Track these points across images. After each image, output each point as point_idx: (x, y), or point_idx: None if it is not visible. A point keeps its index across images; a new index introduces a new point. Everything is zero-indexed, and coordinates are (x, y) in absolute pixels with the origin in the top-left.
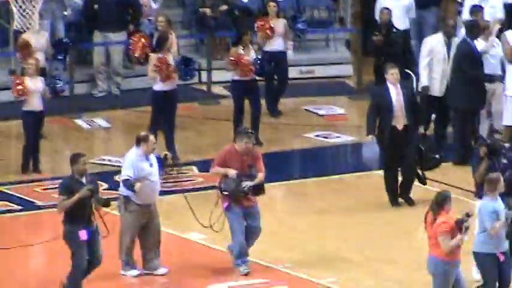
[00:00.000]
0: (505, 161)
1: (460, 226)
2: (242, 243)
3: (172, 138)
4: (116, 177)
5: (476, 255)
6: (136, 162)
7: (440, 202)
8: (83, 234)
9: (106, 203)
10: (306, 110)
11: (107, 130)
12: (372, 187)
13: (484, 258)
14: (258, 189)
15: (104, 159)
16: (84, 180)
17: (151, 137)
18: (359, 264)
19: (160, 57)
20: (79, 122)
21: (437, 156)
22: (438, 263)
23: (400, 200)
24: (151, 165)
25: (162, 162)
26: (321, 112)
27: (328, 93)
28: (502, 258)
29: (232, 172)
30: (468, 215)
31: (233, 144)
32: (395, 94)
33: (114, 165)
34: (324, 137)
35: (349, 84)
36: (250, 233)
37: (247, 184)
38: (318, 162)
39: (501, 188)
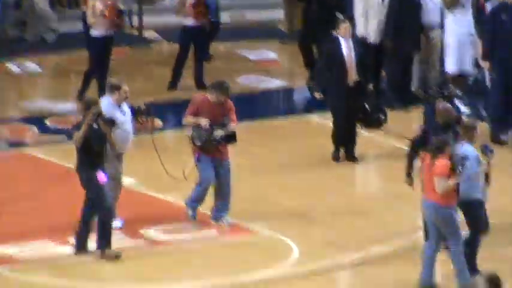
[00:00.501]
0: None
1: (455, 168)
2: (204, 191)
3: (105, 83)
4: (47, 122)
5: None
6: (108, 110)
7: (441, 147)
8: (102, 177)
9: (113, 122)
10: (237, 54)
11: (37, 75)
12: (303, 131)
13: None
14: (230, 138)
15: (34, 104)
16: None
17: (124, 86)
18: (292, 210)
19: (110, 5)
20: (10, 66)
21: (382, 116)
22: (438, 208)
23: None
24: (123, 113)
25: (134, 112)
26: (252, 57)
27: (259, 37)
28: None
29: (204, 122)
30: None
31: (206, 95)
32: (347, 48)
33: (44, 110)
34: (256, 82)
35: (281, 29)
36: (220, 194)
37: (218, 133)
38: (249, 107)
39: (477, 136)
